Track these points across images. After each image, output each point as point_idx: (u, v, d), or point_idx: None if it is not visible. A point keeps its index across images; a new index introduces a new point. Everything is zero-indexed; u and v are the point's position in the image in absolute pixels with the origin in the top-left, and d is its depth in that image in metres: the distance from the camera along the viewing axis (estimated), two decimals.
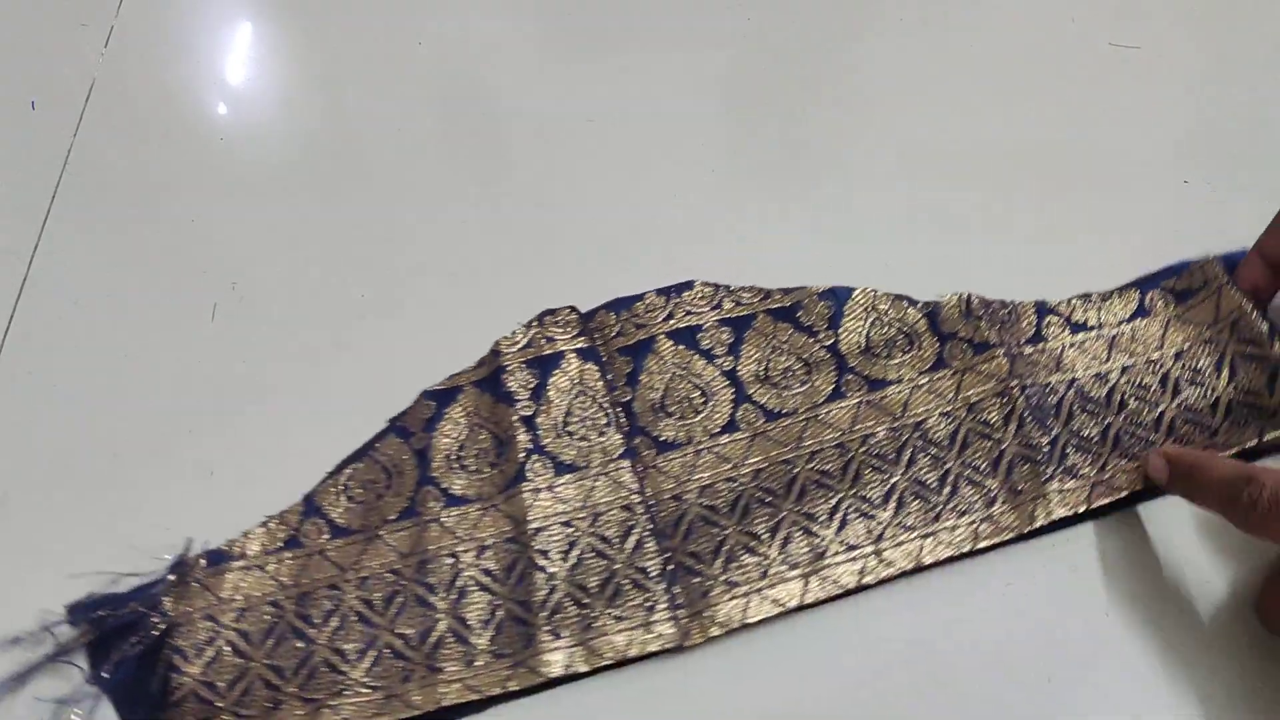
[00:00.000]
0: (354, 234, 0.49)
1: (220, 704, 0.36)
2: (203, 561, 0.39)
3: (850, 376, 0.42)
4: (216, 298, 0.46)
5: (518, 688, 0.36)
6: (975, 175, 0.50)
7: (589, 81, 0.54)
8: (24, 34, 0.57)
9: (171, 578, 0.38)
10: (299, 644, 0.37)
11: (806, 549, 0.38)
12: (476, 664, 0.37)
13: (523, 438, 0.41)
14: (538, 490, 0.40)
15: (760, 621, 0.37)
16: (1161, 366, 0.41)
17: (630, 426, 0.42)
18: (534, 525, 0.39)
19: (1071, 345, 0.42)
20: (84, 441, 0.42)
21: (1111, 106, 0.52)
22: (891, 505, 0.39)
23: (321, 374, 0.44)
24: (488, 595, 0.38)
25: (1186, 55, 0.54)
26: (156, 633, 0.37)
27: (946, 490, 0.39)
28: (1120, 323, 0.43)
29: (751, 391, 0.42)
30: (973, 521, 0.38)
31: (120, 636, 0.37)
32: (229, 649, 0.37)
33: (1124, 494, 0.39)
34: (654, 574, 0.38)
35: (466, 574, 0.38)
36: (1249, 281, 0.42)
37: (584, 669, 0.36)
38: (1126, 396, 0.41)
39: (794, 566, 0.38)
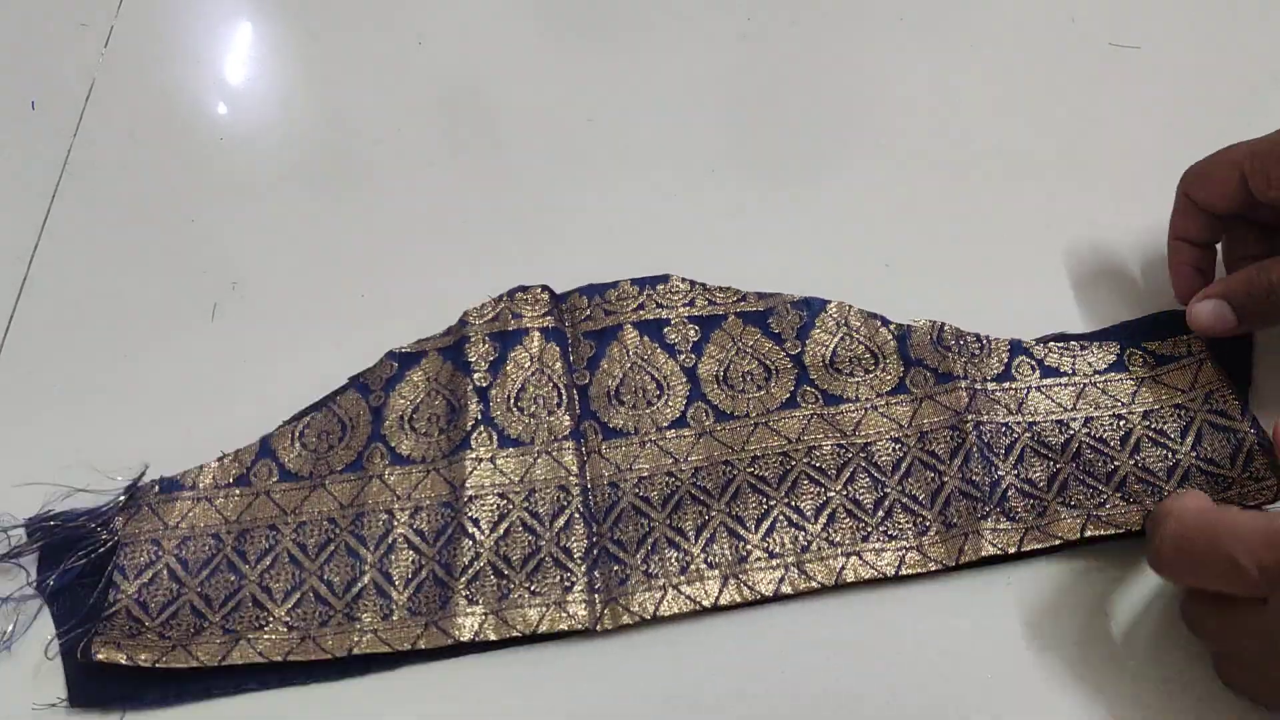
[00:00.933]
0: (354, 234, 0.49)
1: (148, 623, 0.37)
2: (156, 487, 0.40)
3: (808, 388, 0.42)
4: (216, 298, 0.47)
5: (426, 646, 0.37)
6: (974, 175, 0.50)
7: (589, 81, 0.54)
8: (24, 34, 0.57)
9: (123, 498, 0.40)
10: (231, 577, 0.39)
11: (729, 551, 0.38)
12: (392, 618, 0.37)
13: (473, 407, 0.42)
14: (479, 459, 0.40)
15: (673, 617, 0.37)
16: (1126, 423, 0.40)
17: (582, 410, 0.42)
18: (469, 493, 0.40)
19: (1038, 389, 0.41)
20: (83, 442, 0.42)
21: (1111, 106, 0.52)
22: (823, 519, 0.39)
23: (322, 374, 0.44)
24: (415, 554, 0.39)
25: (1186, 55, 0.54)
26: (102, 549, 0.39)
27: (880, 514, 0.39)
28: (1094, 373, 0.42)
29: (707, 391, 0.42)
30: (900, 548, 0.38)
31: (68, 548, 0.39)
32: (166, 573, 0.39)
33: (1056, 542, 0.38)
34: (577, 555, 0.38)
35: (398, 531, 0.39)
36: (1180, 229, 0.42)
37: (493, 638, 0.37)
38: (1083, 447, 0.40)
39: (713, 566, 0.38)
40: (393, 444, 0.41)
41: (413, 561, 0.39)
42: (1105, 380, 0.42)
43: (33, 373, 0.45)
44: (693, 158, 0.51)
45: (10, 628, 0.38)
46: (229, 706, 0.37)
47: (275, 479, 0.41)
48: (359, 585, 0.38)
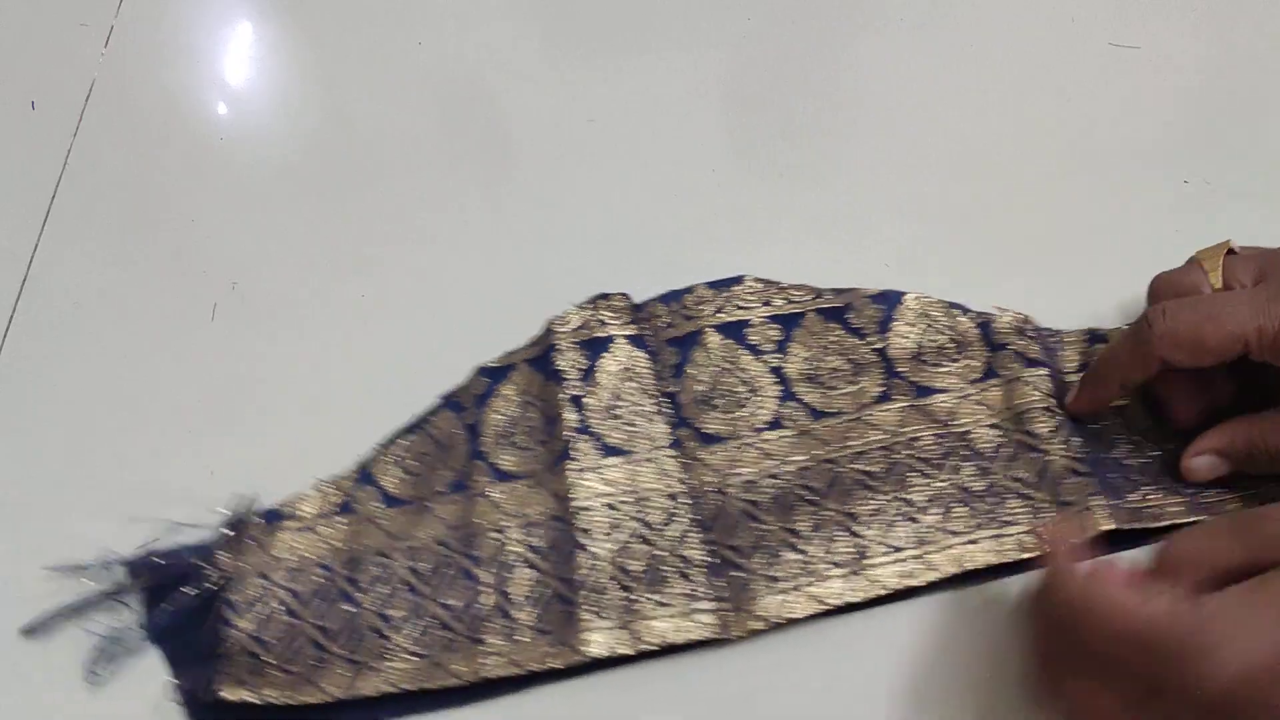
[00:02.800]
0: (354, 234, 0.49)
1: (269, 659, 0.36)
2: (258, 519, 0.39)
3: (897, 380, 0.42)
4: (216, 298, 0.47)
5: (559, 666, 0.36)
6: (975, 175, 0.50)
7: (589, 81, 0.54)
8: (24, 34, 0.57)
9: (228, 532, 0.39)
10: (346, 607, 0.38)
11: (850, 548, 0.38)
12: (519, 638, 0.37)
13: (570, 416, 0.41)
14: (583, 470, 0.40)
15: (806, 619, 0.37)
16: None
17: (676, 418, 0.41)
18: (577, 504, 0.39)
19: None
20: (83, 442, 0.42)
21: (1111, 106, 0.52)
22: (936, 510, 0.39)
23: (322, 374, 0.44)
24: (533, 572, 0.38)
25: (1186, 55, 0.54)
26: (210, 585, 0.38)
27: (992, 499, 0.39)
28: None
29: (797, 390, 0.42)
30: (1018, 531, 0.38)
31: (174, 586, 0.38)
32: (280, 607, 0.38)
33: (1155, 524, 0.37)
34: (696, 563, 0.38)
35: (512, 549, 0.39)
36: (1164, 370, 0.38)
37: (628, 652, 0.36)
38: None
39: (838, 565, 0.38)
40: (494, 460, 0.41)
41: (531, 579, 0.38)
42: None
43: (32, 373, 0.45)
44: (693, 158, 0.51)
45: (104, 660, 0.37)
46: None
47: (380, 504, 0.40)
48: (479, 607, 0.37)
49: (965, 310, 0.43)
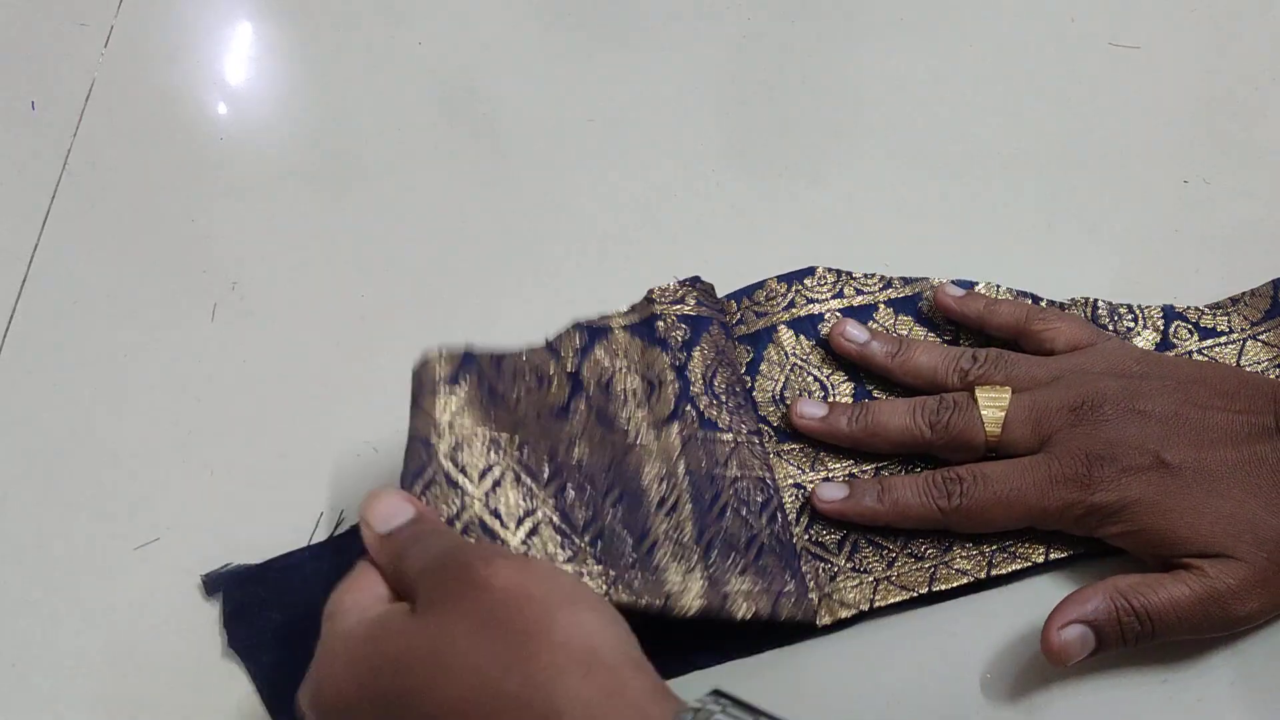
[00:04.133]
0: (354, 234, 0.49)
1: None
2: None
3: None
4: (216, 298, 0.47)
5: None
6: (975, 175, 0.50)
7: (589, 81, 0.54)
8: (24, 34, 0.57)
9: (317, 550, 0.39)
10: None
11: (934, 544, 0.38)
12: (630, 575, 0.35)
13: (672, 380, 0.39)
14: (687, 437, 0.38)
15: (890, 608, 0.37)
16: None
17: (756, 414, 0.41)
18: (684, 466, 0.38)
19: (1199, 352, 0.42)
20: (83, 442, 0.42)
21: (1111, 106, 0.52)
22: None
23: (322, 374, 0.44)
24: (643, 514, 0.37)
25: (1186, 55, 0.54)
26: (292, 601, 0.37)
27: None
28: (1250, 325, 0.42)
29: (871, 387, 0.42)
30: None
31: (260, 602, 0.38)
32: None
33: None
34: (786, 547, 0.38)
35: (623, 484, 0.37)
36: None
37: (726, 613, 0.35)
38: None
39: (919, 559, 0.38)
40: (597, 406, 0.39)
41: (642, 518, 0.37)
42: (1266, 330, 0.42)
43: (32, 373, 0.45)
44: (693, 158, 0.51)
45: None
46: None
47: (482, 395, 0.36)
48: (598, 524, 0.36)
49: (1036, 299, 0.43)
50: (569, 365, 0.39)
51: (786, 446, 0.41)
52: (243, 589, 0.38)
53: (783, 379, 0.42)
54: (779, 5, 0.57)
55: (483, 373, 0.37)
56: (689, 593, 0.35)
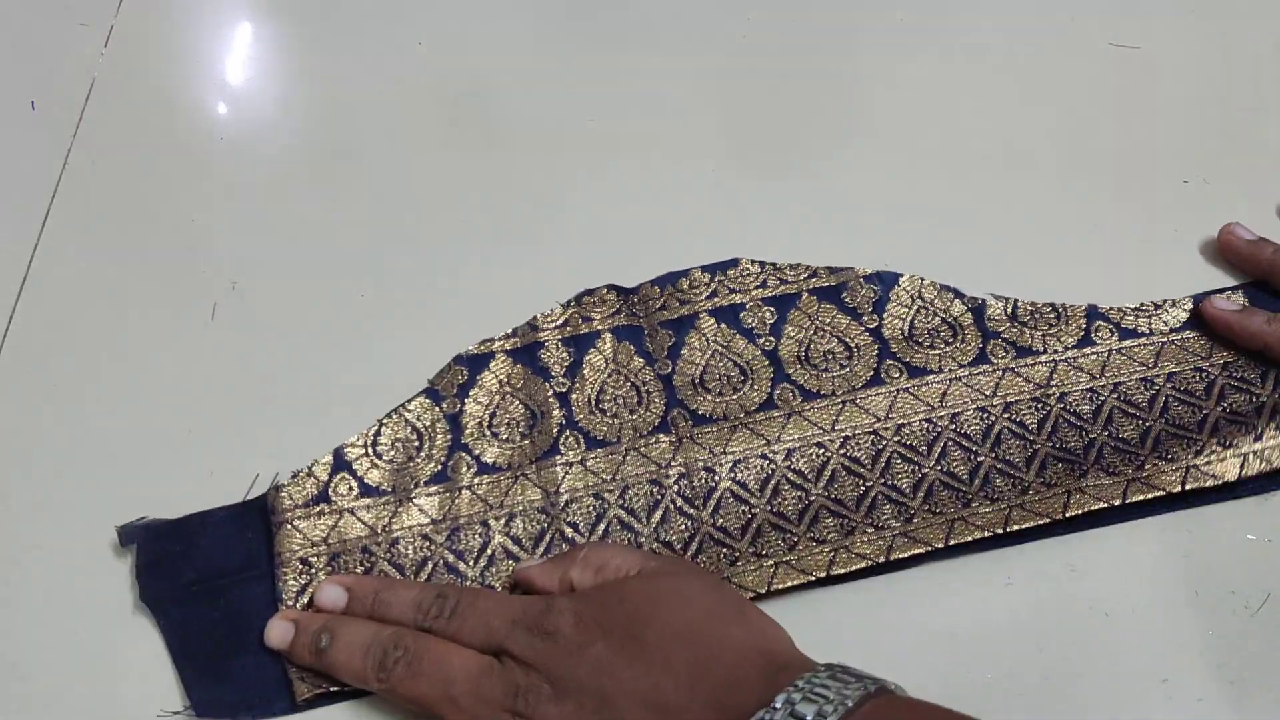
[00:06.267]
0: (354, 234, 0.49)
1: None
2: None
3: (891, 362, 0.42)
4: (216, 298, 0.46)
5: None
6: (975, 175, 0.50)
7: (590, 82, 0.54)
8: (24, 34, 0.57)
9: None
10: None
11: (836, 527, 0.39)
12: None
13: (557, 413, 0.42)
14: (570, 464, 0.40)
15: (787, 590, 0.37)
16: (1208, 375, 0.42)
17: (668, 399, 0.42)
18: (565, 497, 0.40)
19: (1119, 351, 0.42)
20: (84, 441, 0.42)
21: (1111, 106, 0.52)
22: (921, 494, 0.39)
23: (322, 374, 0.44)
24: (516, 564, 0.38)
25: (1186, 55, 0.54)
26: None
27: (977, 482, 0.39)
28: (1170, 331, 0.43)
29: (790, 372, 0.43)
30: (1004, 507, 0.38)
31: (171, 558, 0.39)
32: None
33: (1161, 493, 0.38)
34: (678, 547, 0.39)
35: (496, 541, 0.39)
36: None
37: None
38: (1170, 401, 0.41)
39: (821, 542, 0.38)
40: (476, 452, 0.41)
41: (514, 571, 0.38)
42: (1183, 337, 0.43)
43: (32, 373, 0.45)
44: (694, 158, 0.51)
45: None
46: (358, 713, 0.36)
47: (356, 494, 0.40)
48: None
49: (960, 294, 0.44)
50: (449, 407, 0.42)
51: (701, 430, 0.41)
52: (157, 543, 0.39)
53: (703, 364, 0.43)
54: (779, 5, 0.57)
55: (355, 471, 0.40)
56: None
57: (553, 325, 0.44)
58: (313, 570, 0.38)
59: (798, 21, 0.56)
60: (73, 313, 0.46)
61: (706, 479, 0.40)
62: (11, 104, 0.54)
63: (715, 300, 0.44)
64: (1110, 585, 0.38)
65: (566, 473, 0.40)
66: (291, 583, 0.38)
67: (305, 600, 0.38)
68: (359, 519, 0.40)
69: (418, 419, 0.42)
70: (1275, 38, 0.55)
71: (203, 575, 0.38)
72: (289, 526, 0.39)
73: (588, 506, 0.40)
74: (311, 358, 0.44)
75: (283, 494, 0.40)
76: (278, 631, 0.37)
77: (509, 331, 0.44)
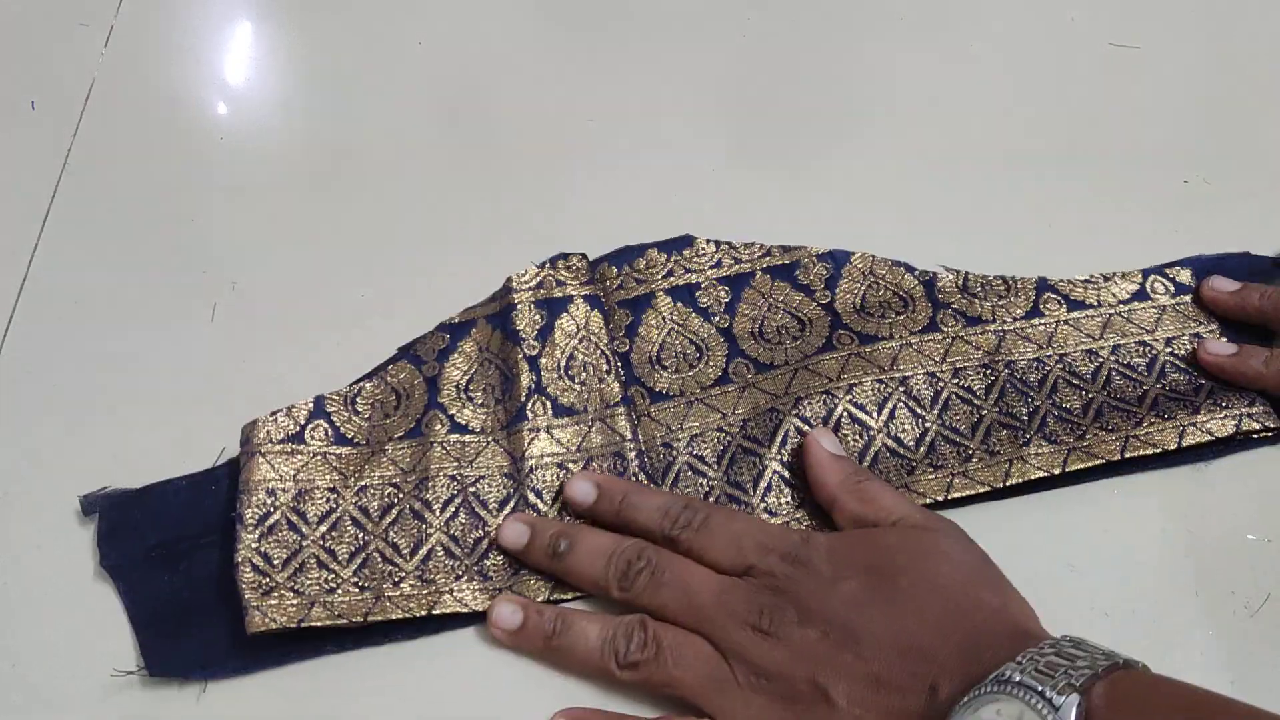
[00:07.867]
0: (354, 234, 0.49)
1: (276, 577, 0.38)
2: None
3: (842, 331, 0.43)
4: (216, 298, 0.47)
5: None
6: (975, 174, 0.50)
7: (590, 82, 0.54)
8: (24, 34, 0.57)
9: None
10: (292, 536, 0.38)
11: (789, 498, 0.39)
12: (464, 580, 0.38)
13: (526, 377, 0.42)
14: (536, 430, 0.41)
15: None
16: (1151, 349, 0.42)
17: (626, 376, 0.42)
18: (530, 464, 0.40)
19: (1066, 322, 0.43)
20: (83, 441, 0.42)
21: (1111, 106, 0.52)
22: (868, 459, 0.40)
23: (322, 374, 0.44)
24: (479, 521, 0.39)
25: (1186, 55, 0.54)
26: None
27: (923, 449, 0.40)
28: (1118, 303, 0.44)
29: (745, 347, 0.43)
30: (948, 474, 0.39)
31: (133, 527, 0.39)
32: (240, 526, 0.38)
33: (1101, 461, 0.39)
34: None
35: (470, 491, 0.40)
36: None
37: (567, 597, 0.38)
38: (1113, 374, 0.41)
39: (774, 514, 0.39)
40: (451, 413, 0.41)
41: (479, 528, 0.39)
42: (1129, 309, 0.43)
43: (32, 373, 0.45)
44: (694, 158, 0.51)
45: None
46: (307, 672, 0.37)
47: (330, 441, 0.41)
48: (425, 548, 0.38)
49: (911, 269, 0.44)
50: (428, 370, 0.42)
51: (658, 407, 0.42)
52: (119, 510, 0.39)
53: (659, 342, 0.43)
54: (779, 5, 0.57)
55: (333, 420, 0.41)
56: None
57: (527, 285, 0.44)
58: (277, 503, 0.39)
59: (798, 21, 0.56)
60: (73, 313, 0.46)
61: (664, 454, 0.41)
62: (11, 104, 0.54)
63: (671, 280, 0.45)
64: (1110, 585, 0.38)
65: (533, 439, 0.40)
66: (251, 512, 0.38)
67: (265, 529, 0.38)
68: (330, 464, 0.40)
69: (399, 382, 0.42)
70: (1275, 38, 0.55)
71: (164, 540, 0.39)
72: (259, 457, 0.40)
73: (552, 475, 0.40)
74: (311, 358, 0.44)
75: (258, 427, 0.40)
76: (513, 532, 0.38)
77: (487, 298, 0.45)
